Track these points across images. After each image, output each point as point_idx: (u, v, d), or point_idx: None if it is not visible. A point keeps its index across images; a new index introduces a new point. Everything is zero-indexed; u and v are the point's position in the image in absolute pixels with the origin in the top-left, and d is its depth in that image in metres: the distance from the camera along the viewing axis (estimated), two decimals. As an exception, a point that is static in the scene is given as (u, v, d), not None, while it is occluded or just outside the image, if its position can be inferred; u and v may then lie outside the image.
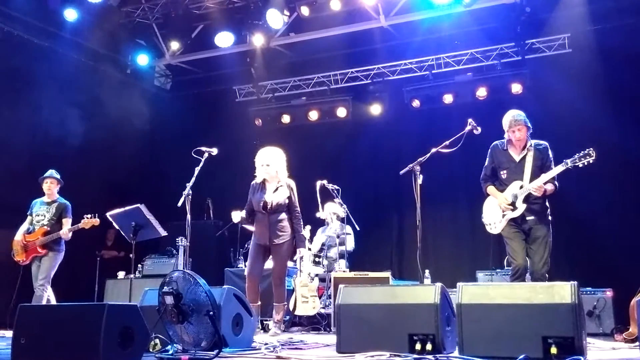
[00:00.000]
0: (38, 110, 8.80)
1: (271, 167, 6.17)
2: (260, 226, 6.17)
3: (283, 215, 6.16)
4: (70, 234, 6.94)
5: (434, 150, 5.69)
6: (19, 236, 7.04)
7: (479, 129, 5.66)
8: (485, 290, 4.03)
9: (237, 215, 6.32)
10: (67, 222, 7.02)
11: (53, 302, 6.84)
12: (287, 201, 6.16)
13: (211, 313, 3.77)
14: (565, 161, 5.16)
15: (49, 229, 6.93)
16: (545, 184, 5.26)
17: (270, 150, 6.27)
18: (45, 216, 7.03)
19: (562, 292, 3.75)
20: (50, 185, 7.09)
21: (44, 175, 7.11)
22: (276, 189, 6.17)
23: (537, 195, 5.24)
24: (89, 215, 6.76)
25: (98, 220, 6.71)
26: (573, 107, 8.35)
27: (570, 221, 7.49)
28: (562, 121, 8.04)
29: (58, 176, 7.16)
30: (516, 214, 5.34)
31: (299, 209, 6.28)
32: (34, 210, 7.12)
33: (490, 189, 5.59)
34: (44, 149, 8.77)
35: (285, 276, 6.22)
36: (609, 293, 7.10)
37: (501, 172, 5.52)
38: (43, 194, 7.17)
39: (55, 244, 6.93)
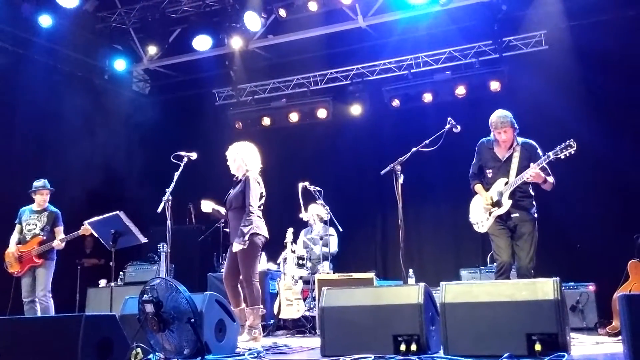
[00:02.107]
0: (13, 119, 8.67)
1: (230, 162, 6.00)
2: (228, 224, 6.00)
3: (241, 212, 5.75)
4: (63, 244, 6.86)
5: (414, 149, 5.68)
6: (12, 247, 6.93)
7: (459, 127, 5.66)
8: (469, 288, 4.04)
9: (207, 205, 6.04)
10: (59, 231, 6.96)
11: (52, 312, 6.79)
12: (241, 196, 5.77)
13: (192, 320, 3.72)
14: (547, 154, 5.18)
15: (44, 237, 6.87)
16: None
17: (234, 145, 6.06)
18: (37, 225, 6.94)
19: (544, 288, 3.77)
20: (45, 196, 7.04)
21: (38, 187, 7.03)
22: (237, 184, 5.93)
23: (537, 181, 5.22)
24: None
25: None
26: (550, 103, 8.40)
27: (551, 216, 7.50)
28: (540, 118, 8.06)
29: (49, 186, 7.09)
30: (502, 210, 5.34)
31: (251, 203, 5.70)
32: (23, 219, 7.02)
33: (477, 188, 5.59)
34: (19, 157, 8.64)
35: (253, 278, 5.73)
36: (591, 287, 7.15)
37: (487, 171, 5.53)
38: (26, 202, 7.09)
39: (50, 253, 6.89)
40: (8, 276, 6.93)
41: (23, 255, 6.84)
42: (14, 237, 7.01)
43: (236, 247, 5.62)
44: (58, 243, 6.82)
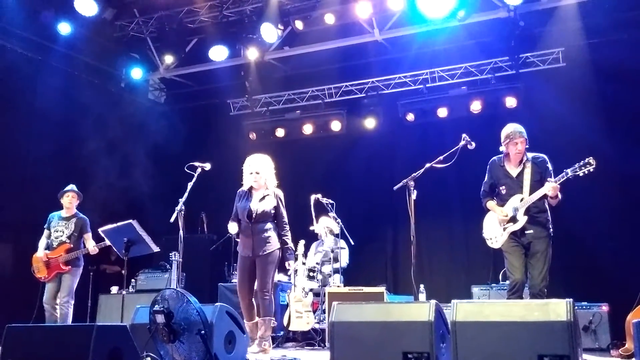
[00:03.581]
0: (31, 124, 8.76)
1: (260, 175, 5.92)
2: (245, 236, 5.87)
3: (269, 225, 5.83)
4: (97, 250, 6.89)
5: (428, 165, 5.67)
6: (40, 253, 6.94)
7: (473, 144, 5.64)
8: (480, 307, 4.00)
9: (234, 227, 6.00)
10: (88, 237, 7.00)
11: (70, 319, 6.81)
12: (273, 211, 5.86)
13: (202, 332, 3.72)
14: (565, 171, 5.15)
15: (71, 245, 6.90)
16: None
17: (259, 157, 6.04)
18: (64, 232, 6.97)
19: (557, 309, 3.73)
20: (72, 199, 7.06)
21: (65, 189, 7.07)
22: (263, 198, 5.89)
23: (553, 195, 5.17)
24: None
25: None
26: (567, 120, 8.36)
27: (565, 235, 7.42)
28: (557, 135, 8.04)
29: (77, 190, 7.14)
30: (517, 226, 5.32)
31: (286, 220, 5.95)
32: (52, 225, 7.04)
33: (490, 204, 5.59)
34: (37, 164, 8.72)
35: (270, 289, 5.76)
36: (604, 308, 7.06)
37: (500, 188, 5.53)
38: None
39: (77, 260, 6.93)
40: (35, 282, 6.95)
41: (51, 261, 6.85)
42: (42, 242, 7.02)
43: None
44: (93, 249, 6.83)
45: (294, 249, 5.91)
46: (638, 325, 2.89)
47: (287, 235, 5.92)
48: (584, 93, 8.47)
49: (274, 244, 5.81)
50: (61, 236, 6.95)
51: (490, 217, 5.60)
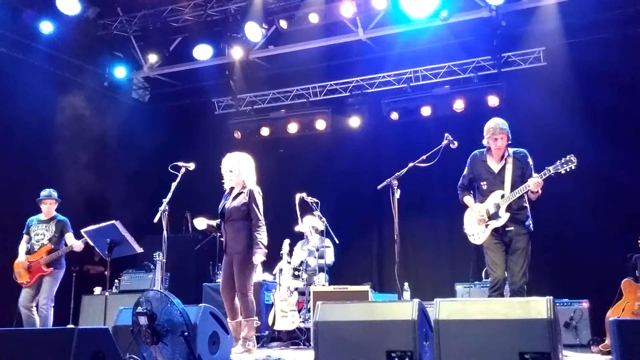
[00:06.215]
0: (12, 123, 8.67)
1: (234, 173, 5.90)
2: (223, 235, 5.91)
3: (240, 224, 5.76)
4: (83, 245, 6.82)
5: (411, 164, 5.70)
6: (22, 257, 6.90)
7: (456, 143, 5.67)
8: (463, 306, 4.04)
9: (201, 222, 5.99)
10: (70, 237, 6.99)
11: (50, 322, 6.77)
12: (244, 208, 5.77)
13: (186, 334, 3.72)
14: (547, 168, 5.18)
15: (53, 246, 6.88)
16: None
17: (234, 156, 6.00)
18: (45, 235, 6.95)
19: (538, 307, 3.78)
20: (50, 206, 7.06)
21: (42, 197, 7.05)
22: (236, 196, 5.86)
23: (535, 190, 5.20)
24: None
25: None
26: (549, 119, 8.44)
27: (545, 232, 7.51)
28: (538, 133, 8.10)
29: (56, 194, 7.13)
30: (500, 223, 5.35)
31: (259, 215, 5.78)
32: (32, 230, 7.02)
33: (467, 199, 5.62)
34: (19, 164, 8.64)
35: (248, 290, 5.69)
36: (585, 304, 7.13)
37: (481, 183, 5.54)
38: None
39: (58, 262, 6.90)
40: (14, 285, 6.89)
41: (32, 265, 6.82)
42: (22, 247, 6.99)
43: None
44: (79, 244, 6.77)
45: (264, 244, 5.69)
46: (614, 323, 2.94)
47: (259, 232, 5.72)
48: (565, 92, 8.57)
49: (245, 243, 5.71)
50: (42, 239, 6.93)
51: (470, 212, 5.62)
